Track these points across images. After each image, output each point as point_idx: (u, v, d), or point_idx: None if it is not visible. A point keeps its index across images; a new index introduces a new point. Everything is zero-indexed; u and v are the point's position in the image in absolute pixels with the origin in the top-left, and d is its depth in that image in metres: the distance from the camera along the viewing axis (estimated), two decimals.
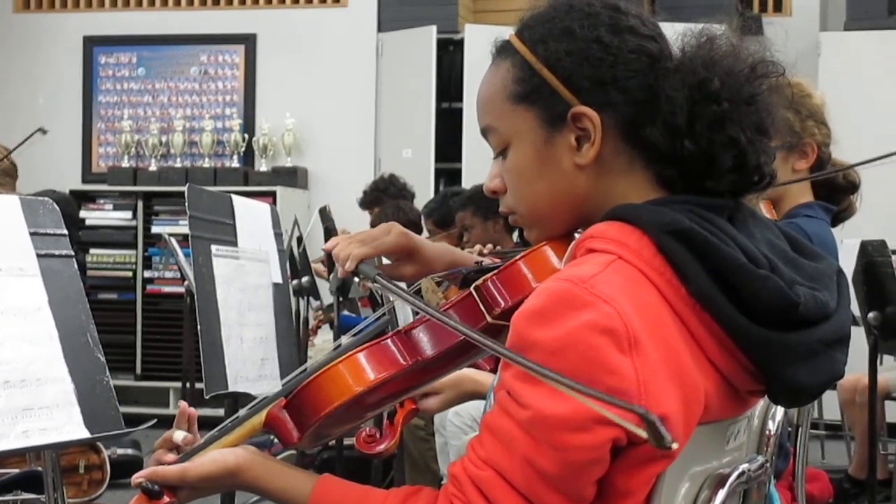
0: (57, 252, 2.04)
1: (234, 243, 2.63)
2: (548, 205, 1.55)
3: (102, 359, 2.04)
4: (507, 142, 1.55)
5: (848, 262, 4.53)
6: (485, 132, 1.59)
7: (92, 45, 8.69)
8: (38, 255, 2.00)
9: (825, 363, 1.47)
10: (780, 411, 1.83)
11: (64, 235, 2.06)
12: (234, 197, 2.69)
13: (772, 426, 1.78)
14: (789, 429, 2.85)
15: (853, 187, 3.07)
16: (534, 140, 1.53)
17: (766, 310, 1.41)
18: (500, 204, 1.61)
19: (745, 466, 1.56)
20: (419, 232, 6.39)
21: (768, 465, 1.70)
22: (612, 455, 1.38)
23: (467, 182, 7.94)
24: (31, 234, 2.00)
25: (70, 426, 1.93)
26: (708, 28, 1.54)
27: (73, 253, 2.07)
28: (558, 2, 1.55)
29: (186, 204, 2.50)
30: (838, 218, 3.08)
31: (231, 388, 2.48)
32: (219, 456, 1.57)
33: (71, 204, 6.41)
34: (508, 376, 1.40)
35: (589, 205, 1.53)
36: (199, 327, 2.45)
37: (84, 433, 1.95)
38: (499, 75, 1.56)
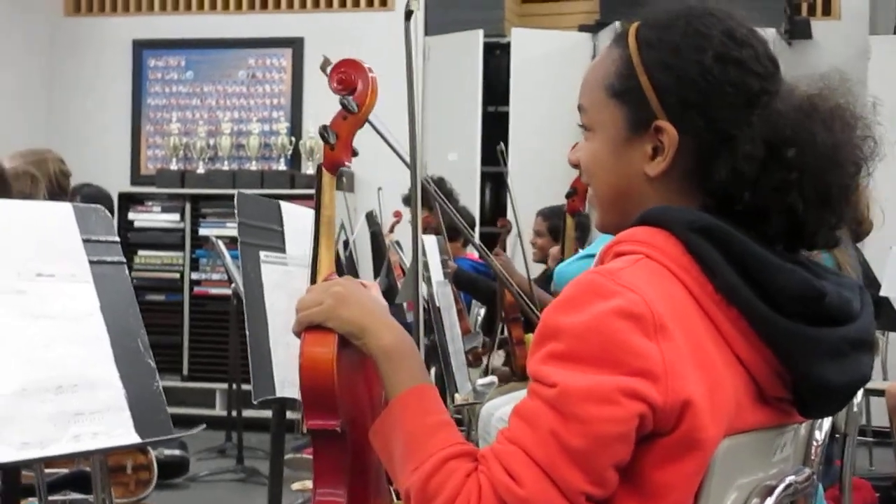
0: (108, 258, 2.07)
1: (283, 249, 2.64)
2: (607, 198, 1.59)
3: (153, 364, 2.06)
4: (591, 127, 1.58)
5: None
6: (579, 108, 1.61)
7: (141, 48, 8.77)
8: (91, 262, 2.02)
9: (851, 363, 1.47)
10: (826, 421, 1.82)
11: (116, 242, 2.08)
12: (282, 203, 2.71)
13: (819, 436, 1.77)
14: (836, 436, 2.83)
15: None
16: (615, 136, 1.55)
17: (793, 300, 1.42)
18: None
19: (791, 478, 1.55)
20: (457, 236, 6.39)
21: (815, 476, 1.69)
22: (639, 448, 1.38)
23: (513, 186, 7.93)
24: (84, 240, 2.03)
25: (121, 430, 1.95)
26: (826, 85, 1.51)
27: (124, 259, 2.10)
28: (682, 10, 1.54)
29: (236, 211, 2.52)
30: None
31: (278, 394, 2.50)
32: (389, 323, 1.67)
33: (106, 197, 6.34)
34: (534, 363, 1.41)
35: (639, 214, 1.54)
36: (247, 333, 2.47)
37: (135, 438, 1.97)
38: (607, 62, 1.57)
